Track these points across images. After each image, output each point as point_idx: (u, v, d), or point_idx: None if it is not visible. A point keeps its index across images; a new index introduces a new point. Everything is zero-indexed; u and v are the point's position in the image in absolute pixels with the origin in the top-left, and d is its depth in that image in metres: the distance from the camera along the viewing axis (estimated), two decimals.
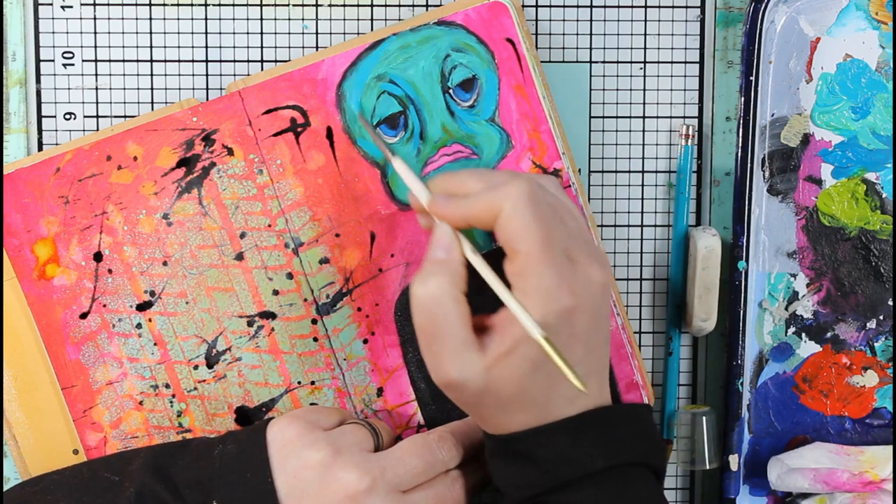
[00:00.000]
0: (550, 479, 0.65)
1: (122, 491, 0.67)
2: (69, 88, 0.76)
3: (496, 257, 0.65)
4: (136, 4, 0.76)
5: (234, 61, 0.76)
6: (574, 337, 0.64)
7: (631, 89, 0.78)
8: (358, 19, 0.77)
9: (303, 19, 0.76)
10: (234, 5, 0.76)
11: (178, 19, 0.76)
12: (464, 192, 0.66)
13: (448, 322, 0.64)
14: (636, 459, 0.66)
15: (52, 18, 0.75)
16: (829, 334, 0.77)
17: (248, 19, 0.76)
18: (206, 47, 0.76)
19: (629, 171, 0.78)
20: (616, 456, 0.65)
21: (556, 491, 0.65)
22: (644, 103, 0.78)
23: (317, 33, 0.77)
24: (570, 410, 0.65)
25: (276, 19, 0.76)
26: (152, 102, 0.76)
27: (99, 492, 0.68)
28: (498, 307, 0.65)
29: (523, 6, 0.76)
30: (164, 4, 0.76)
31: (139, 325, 0.74)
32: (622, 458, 0.66)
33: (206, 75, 0.76)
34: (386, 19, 0.76)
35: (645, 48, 0.78)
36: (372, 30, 0.76)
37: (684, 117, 0.78)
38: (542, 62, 0.76)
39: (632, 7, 0.77)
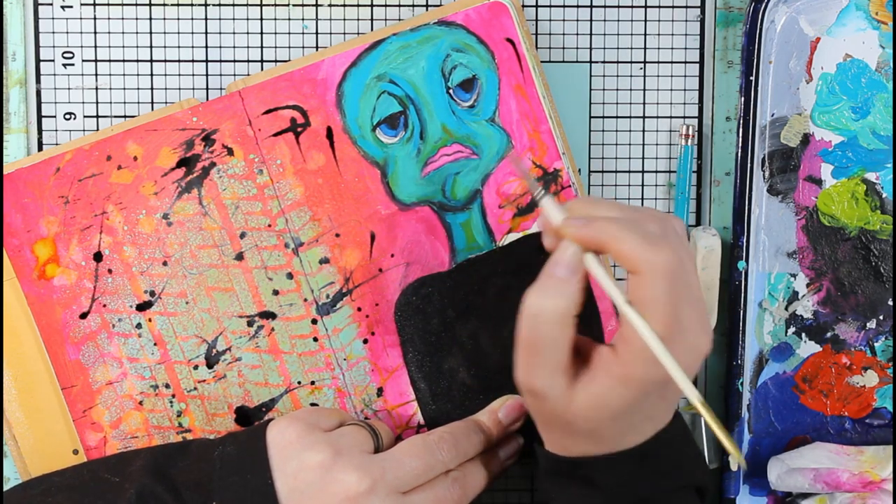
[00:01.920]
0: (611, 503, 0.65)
1: (123, 492, 0.67)
2: (69, 88, 0.76)
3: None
4: (136, 4, 0.76)
5: (234, 61, 0.76)
6: (664, 400, 0.64)
7: (631, 89, 0.78)
8: (358, 19, 0.77)
9: (303, 19, 0.76)
10: (234, 5, 0.76)
11: (178, 19, 0.76)
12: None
13: (554, 341, 0.62)
14: (687, 482, 0.66)
15: (52, 18, 0.75)
16: (829, 334, 0.77)
17: (248, 19, 0.76)
18: (206, 47, 0.76)
19: (629, 171, 0.78)
20: (672, 481, 0.65)
21: None
22: (644, 103, 0.78)
23: (317, 33, 0.77)
24: (634, 442, 0.65)
25: (276, 19, 0.76)
26: (152, 102, 0.76)
27: (99, 493, 0.68)
28: (598, 336, 0.64)
29: (523, 6, 0.76)
30: (164, 4, 0.76)
31: (139, 325, 0.74)
32: (676, 482, 0.66)
33: (206, 75, 0.76)
34: (386, 19, 0.76)
35: (645, 48, 0.78)
36: (372, 30, 0.76)
37: (684, 117, 0.78)
38: (542, 62, 0.76)
39: (632, 7, 0.77)
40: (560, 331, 0.62)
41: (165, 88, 0.76)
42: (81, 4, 0.76)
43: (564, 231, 0.63)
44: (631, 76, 0.77)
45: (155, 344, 0.74)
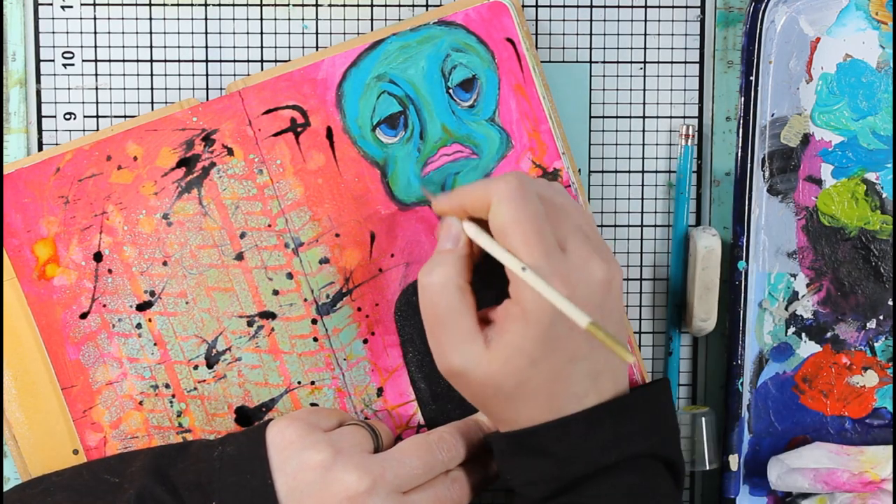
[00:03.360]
0: (565, 472, 0.65)
1: (122, 493, 0.67)
2: (69, 88, 0.76)
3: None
4: (136, 4, 0.76)
5: (234, 61, 0.76)
6: (574, 330, 0.64)
7: (631, 89, 0.78)
8: (358, 19, 0.77)
9: (303, 19, 0.76)
10: (234, 5, 0.76)
11: (178, 19, 0.76)
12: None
13: (452, 311, 0.65)
14: (649, 451, 0.66)
15: (52, 18, 0.75)
16: (829, 334, 0.77)
17: (248, 19, 0.76)
18: (206, 47, 0.76)
19: (629, 171, 0.78)
20: (629, 448, 0.65)
21: (572, 488, 0.65)
22: (644, 103, 0.78)
23: (317, 33, 0.77)
24: (581, 406, 0.65)
25: (276, 19, 0.76)
26: (152, 102, 0.76)
27: (99, 494, 0.68)
28: (502, 301, 0.65)
29: (523, 6, 0.76)
30: (164, 4, 0.76)
31: (139, 325, 0.74)
32: (634, 449, 0.66)
33: (206, 75, 0.76)
34: (386, 19, 0.76)
35: (645, 48, 0.78)
36: (372, 30, 0.76)
37: (684, 117, 0.78)
38: (542, 62, 0.76)
39: (632, 7, 0.77)
40: (458, 297, 0.65)
41: (165, 88, 0.76)
42: (81, 4, 0.76)
43: (434, 206, 0.68)
44: (631, 76, 0.77)
45: (155, 344, 0.74)
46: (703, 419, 0.76)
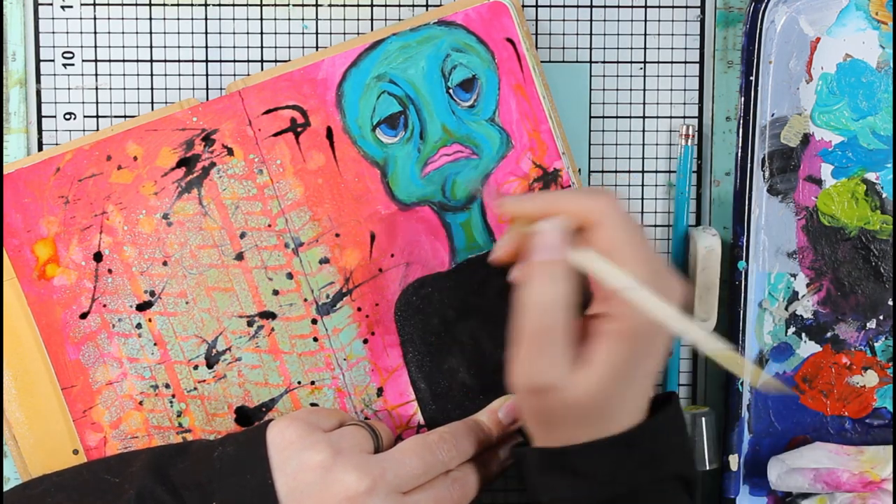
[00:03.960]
0: (600, 494, 0.65)
1: (122, 493, 0.67)
2: (69, 88, 0.76)
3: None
4: (136, 4, 0.76)
5: (234, 61, 0.76)
6: (653, 346, 0.64)
7: (631, 89, 0.78)
8: (358, 19, 0.77)
9: (303, 19, 0.76)
10: (234, 5, 0.76)
11: (178, 19, 0.76)
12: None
13: (557, 330, 0.63)
14: (674, 472, 0.66)
15: (52, 18, 0.75)
16: (829, 334, 0.77)
17: (248, 19, 0.76)
18: (206, 47, 0.76)
19: (629, 171, 0.78)
20: (660, 470, 0.65)
21: None
22: (644, 103, 0.78)
23: (317, 33, 0.77)
24: (622, 426, 0.65)
25: (276, 19, 0.76)
26: (152, 102, 0.76)
27: (99, 494, 0.68)
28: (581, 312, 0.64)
29: (523, 6, 0.76)
30: (164, 4, 0.76)
31: (139, 325, 0.74)
32: (664, 471, 0.66)
33: (206, 75, 0.76)
34: (386, 19, 0.76)
35: (645, 48, 0.78)
36: (372, 30, 0.76)
37: (684, 117, 0.78)
38: (542, 62, 0.76)
39: (632, 7, 0.77)
40: (566, 317, 0.63)
41: (165, 88, 0.76)
42: (81, 4, 0.76)
43: (502, 209, 0.66)
44: (631, 76, 0.77)
45: (155, 344, 0.74)
46: (703, 419, 0.76)
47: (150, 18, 0.76)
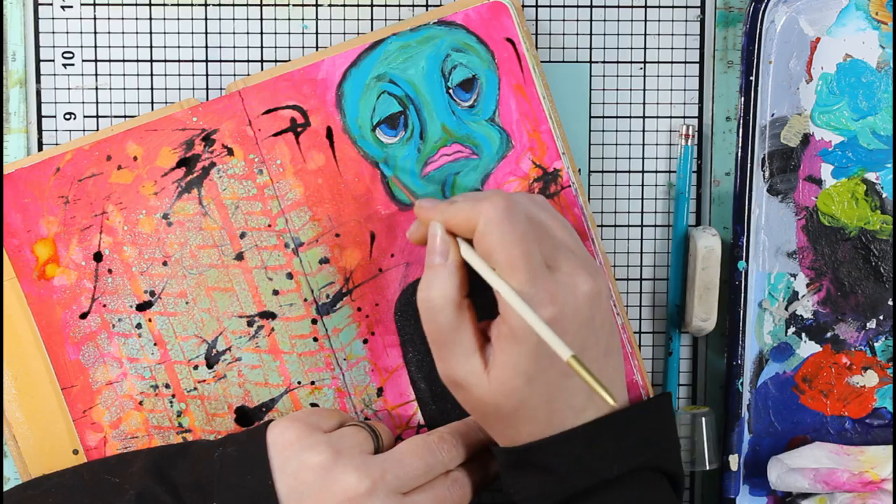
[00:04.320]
0: (566, 487, 0.65)
1: (123, 493, 0.67)
2: (69, 88, 0.76)
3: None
4: (136, 4, 0.76)
5: (234, 61, 0.76)
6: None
7: (631, 89, 0.78)
8: (358, 19, 0.77)
9: (303, 19, 0.76)
10: (234, 5, 0.76)
11: (178, 19, 0.76)
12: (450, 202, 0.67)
13: (452, 329, 0.65)
14: (650, 464, 0.66)
15: (52, 18, 0.75)
16: (829, 334, 0.77)
17: (248, 19, 0.76)
18: (206, 47, 0.76)
19: (629, 171, 0.78)
20: (629, 461, 0.65)
21: (573, 501, 0.65)
22: (644, 103, 0.78)
23: (317, 33, 0.77)
24: (580, 420, 0.65)
25: (276, 19, 0.76)
26: (152, 102, 0.76)
27: (99, 494, 0.68)
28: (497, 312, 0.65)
29: (523, 6, 0.76)
30: (164, 4, 0.76)
31: (139, 325, 0.74)
32: (635, 462, 0.66)
33: (206, 75, 0.76)
34: (386, 19, 0.76)
35: (645, 48, 0.78)
36: (372, 30, 0.76)
37: (684, 117, 0.78)
38: (542, 62, 0.76)
39: (632, 7, 0.77)
40: (456, 316, 0.65)
41: (165, 88, 0.76)
42: (81, 4, 0.76)
43: (417, 213, 0.68)
44: (631, 76, 0.77)
45: (155, 344, 0.74)
46: (703, 419, 0.76)
47: (150, 18, 0.76)
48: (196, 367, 0.74)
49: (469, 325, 0.65)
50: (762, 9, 0.75)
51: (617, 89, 0.78)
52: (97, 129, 0.76)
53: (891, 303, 0.77)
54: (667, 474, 0.68)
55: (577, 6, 0.77)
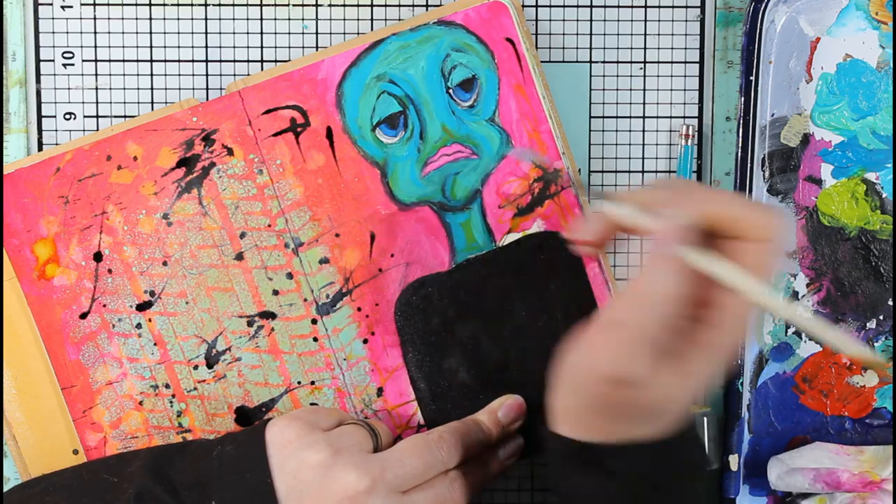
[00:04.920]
0: (624, 494, 0.63)
1: (122, 492, 0.67)
2: (69, 88, 0.76)
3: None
4: (136, 4, 0.76)
5: (234, 61, 0.76)
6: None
7: (631, 89, 0.78)
8: (358, 19, 0.77)
9: (303, 19, 0.76)
10: (234, 5, 0.76)
11: (178, 19, 0.76)
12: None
13: (655, 327, 0.60)
14: (693, 477, 0.66)
15: (52, 18, 0.76)
16: None
17: (248, 19, 0.76)
18: (206, 47, 0.76)
19: (629, 172, 0.78)
20: (684, 476, 0.65)
21: None
22: (644, 103, 0.78)
23: (317, 33, 0.77)
24: (647, 432, 0.63)
25: (276, 19, 0.76)
26: (152, 102, 0.76)
27: (98, 493, 0.68)
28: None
29: (523, 6, 0.76)
30: (164, 4, 0.76)
31: (139, 325, 0.74)
32: (685, 476, 0.65)
33: (206, 75, 0.76)
34: (386, 19, 0.76)
35: (645, 48, 0.78)
36: (372, 30, 0.76)
37: (684, 117, 0.78)
38: (542, 62, 0.76)
39: (632, 7, 0.77)
40: (668, 315, 0.60)
41: (165, 88, 0.76)
42: (81, 4, 0.76)
43: (668, 218, 0.61)
44: (631, 76, 0.77)
45: (155, 344, 0.74)
46: (704, 419, 0.76)
47: (150, 18, 0.76)
48: (196, 367, 0.74)
49: (668, 326, 0.60)
50: (762, 9, 0.75)
51: (617, 89, 0.78)
52: (97, 129, 0.76)
53: (891, 303, 0.77)
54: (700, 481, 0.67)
55: (577, 6, 0.77)
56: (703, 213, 0.61)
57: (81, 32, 0.76)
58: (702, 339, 0.61)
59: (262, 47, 0.76)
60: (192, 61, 0.76)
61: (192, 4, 0.76)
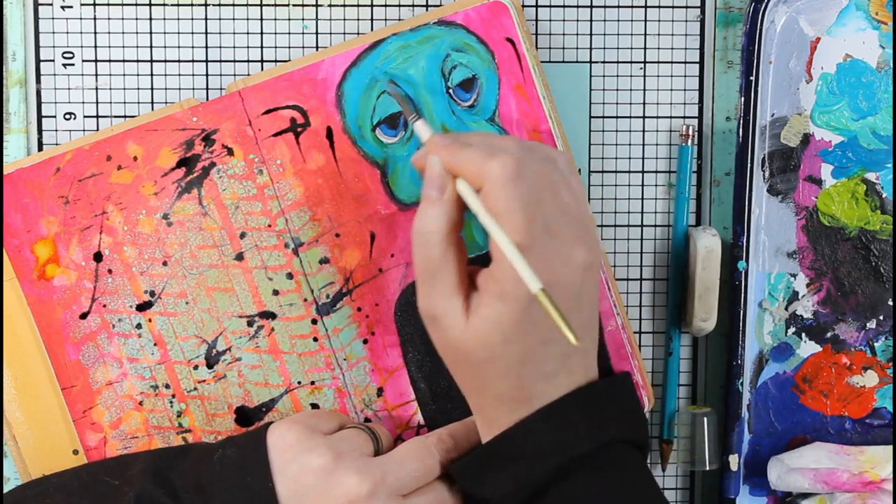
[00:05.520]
0: (538, 470, 0.65)
1: (122, 495, 0.67)
2: (69, 88, 0.76)
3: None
4: (136, 4, 0.76)
5: (234, 61, 0.76)
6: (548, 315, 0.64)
7: (631, 89, 0.78)
8: (358, 19, 0.76)
9: (303, 19, 0.76)
10: (234, 5, 0.76)
11: (178, 19, 0.76)
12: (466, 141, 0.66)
13: (440, 263, 0.65)
14: (620, 437, 0.66)
15: (52, 18, 0.75)
16: (829, 334, 0.77)
17: (248, 19, 0.76)
18: (206, 47, 0.76)
19: (629, 171, 0.78)
20: (601, 435, 0.65)
21: (547, 487, 0.65)
22: (644, 103, 0.78)
23: (317, 33, 0.77)
24: (549, 388, 0.65)
25: (276, 19, 0.76)
26: (152, 102, 0.76)
27: (98, 496, 0.68)
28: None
29: (523, 6, 0.76)
30: (164, 4, 0.76)
31: (139, 326, 0.74)
32: (607, 436, 0.65)
33: (206, 75, 0.76)
34: (386, 19, 0.76)
35: (645, 48, 0.77)
36: (372, 30, 0.76)
37: (684, 117, 0.78)
38: (542, 62, 0.76)
39: (632, 7, 0.77)
40: (445, 249, 0.65)
41: (165, 88, 0.76)
42: (81, 4, 0.76)
43: (428, 147, 0.67)
44: (631, 76, 0.77)
45: (155, 344, 0.74)
46: (704, 419, 0.76)
47: (150, 18, 0.76)
48: (196, 368, 0.74)
49: (456, 263, 0.65)
50: (762, 9, 0.75)
51: (617, 89, 0.78)
52: (97, 129, 0.76)
53: (891, 303, 0.77)
54: (635, 443, 0.67)
55: (577, 6, 0.77)
56: (448, 163, 0.66)
57: (81, 32, 0.76)
58: (486, 287, 0.64)
59: (262, 47, 0.76)
60: (192, 61, 0.76)
61: (192, 4, 0.76)
